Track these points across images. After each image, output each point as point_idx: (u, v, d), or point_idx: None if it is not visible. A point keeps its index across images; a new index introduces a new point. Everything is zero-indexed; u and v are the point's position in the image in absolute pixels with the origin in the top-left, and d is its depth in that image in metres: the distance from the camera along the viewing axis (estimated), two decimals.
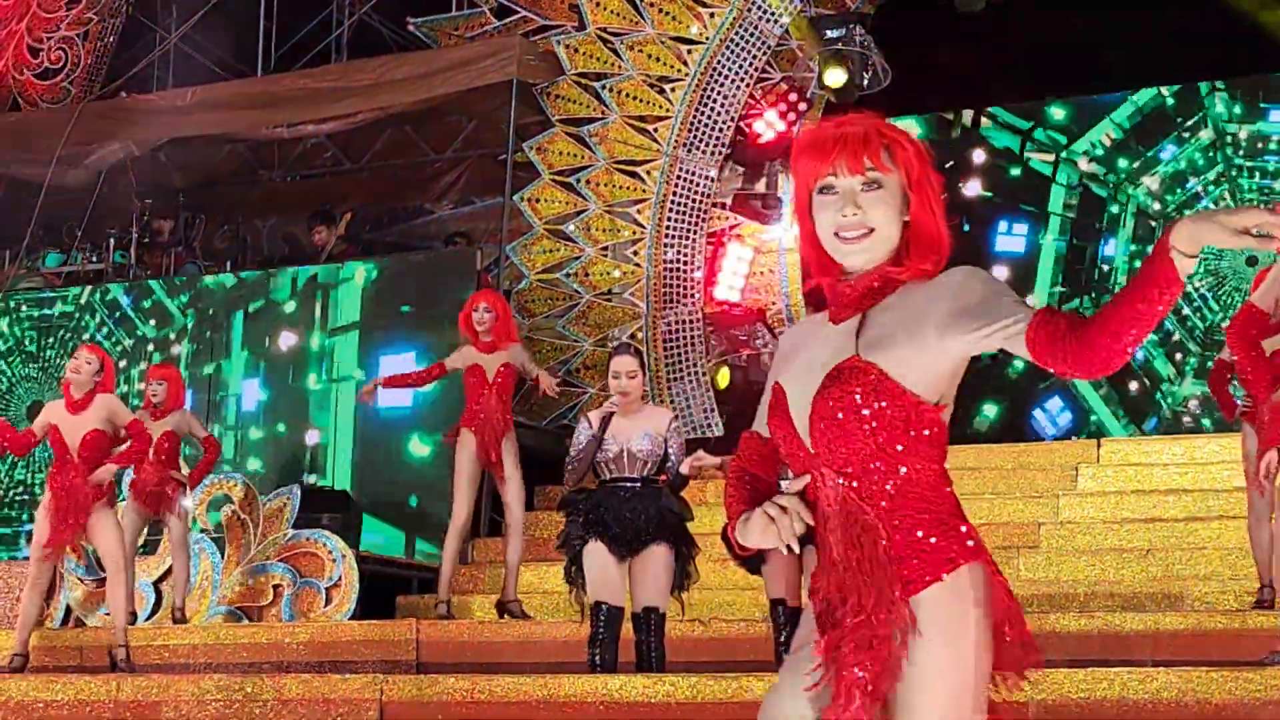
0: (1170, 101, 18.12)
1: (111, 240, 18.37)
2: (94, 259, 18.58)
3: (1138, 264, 17.89)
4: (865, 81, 16.22)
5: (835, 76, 16.10)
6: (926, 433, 3.77)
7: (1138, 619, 10.55)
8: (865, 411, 3.75)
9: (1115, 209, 18.32)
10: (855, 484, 3.79)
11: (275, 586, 13.46)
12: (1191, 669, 8.46)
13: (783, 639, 9.32)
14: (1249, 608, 10.59)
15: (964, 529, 3.79)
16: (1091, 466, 14.21)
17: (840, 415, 3.77)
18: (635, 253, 16.42)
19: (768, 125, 16.54)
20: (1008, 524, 13.26)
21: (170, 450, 12.99)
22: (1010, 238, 18.58)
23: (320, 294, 16.22)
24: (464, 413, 12.45)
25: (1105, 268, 18.33)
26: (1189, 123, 17.97)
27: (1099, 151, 18.36)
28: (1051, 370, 3.65)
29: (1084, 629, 10.51)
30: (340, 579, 13.25)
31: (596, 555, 9.60)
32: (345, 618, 12.99)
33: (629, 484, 9.73)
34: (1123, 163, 18.31)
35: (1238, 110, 17.83)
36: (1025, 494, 13.83)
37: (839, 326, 3.89)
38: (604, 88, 16.54)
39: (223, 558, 13.62)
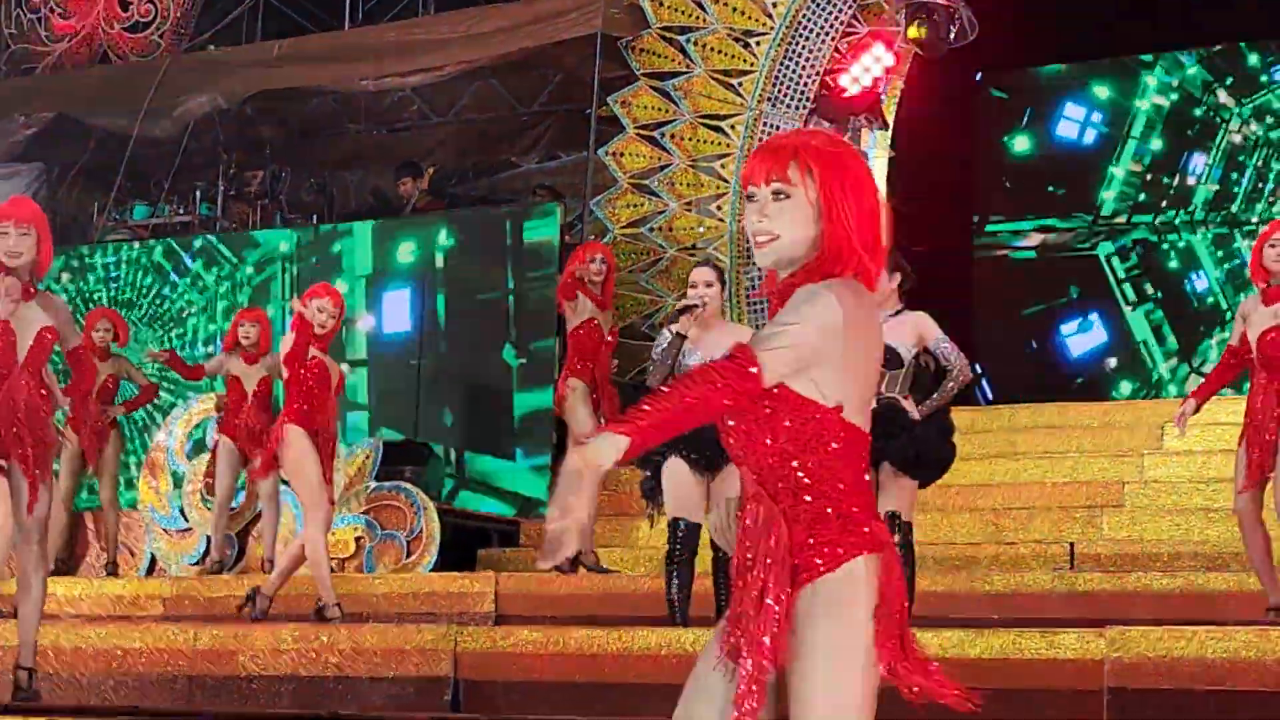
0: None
1: (198, 193, 18.45)
2: (181, 211, 18.68)
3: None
4: (952, 35, 16.07)
5: (920, 30, 15.93)
6: (828, 434, 3.92)
7: (1222, 579, 10.48)
8: (763, 416, 3.95)
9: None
10: (761, 479, 3.97)
11: (357, 539, 13.50)
12: (1272, 628, 8.38)
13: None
14: None
15: (865, 523, 3.94)
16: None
17: (745, 418, 3.98)
18: (719, 208, 16.36)
19: (853, 80, 16.44)
20: (1092, 483, 13.16)
21: (265, 394, 13.08)
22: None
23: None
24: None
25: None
26: None
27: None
28: None
29: (1167, 588, 10.45)
30: (421, 531, 13.29)
31: (677, 471, 9.56)
32: (426, 570, 13.03)
33: None
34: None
35: None
36: (1110, 452, 13.70)
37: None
38: (689, 41, 16.46)
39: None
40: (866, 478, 3.99)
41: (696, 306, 9.43)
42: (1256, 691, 8.06)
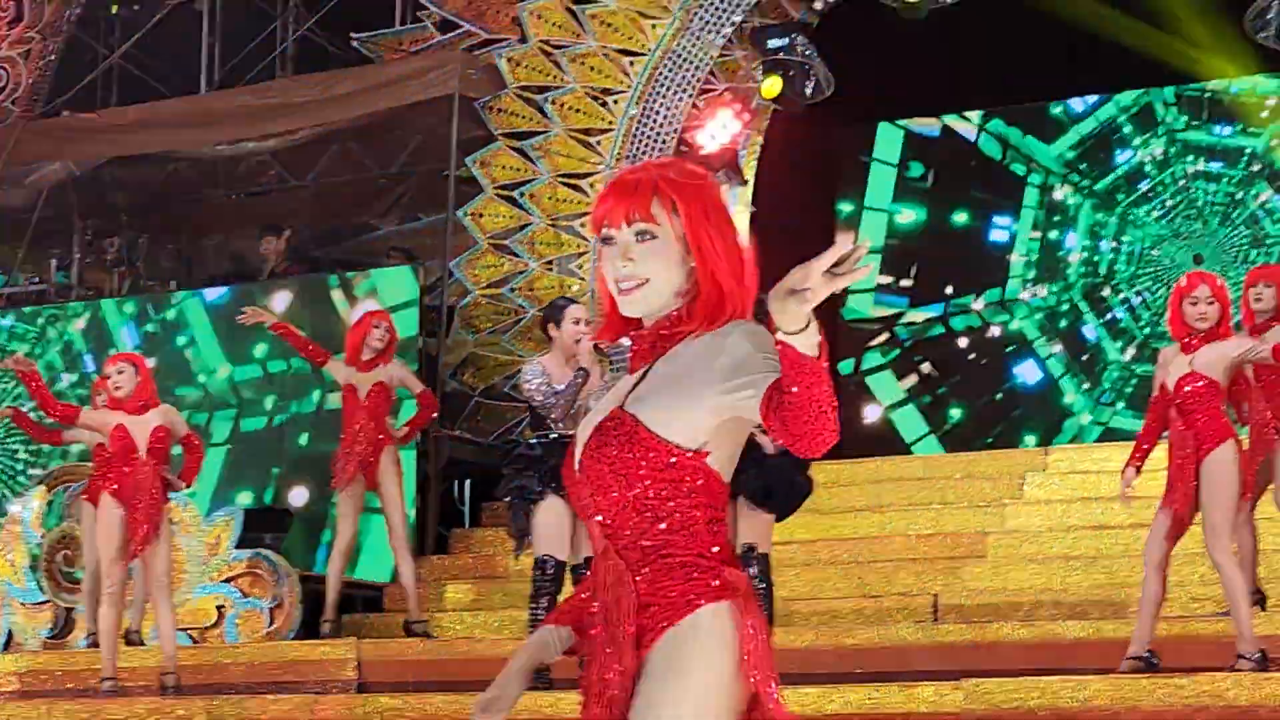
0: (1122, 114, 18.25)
1: (54, 261, 18.25)
2: (35, 280, 18.47)
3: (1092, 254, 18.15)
4: (809, 91, 16.16)
5: (775, 87, 16.02)
6: (687, 481, 3.73)
7: (1080, 627, 10.55)
8: (620, 464, 3.73)
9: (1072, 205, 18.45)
10: (612, 534, 3.77)
11: (219, 607, 13.35)
12: (1123, 676, 8.43)
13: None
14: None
15: (715, 574, 3.73)
16: (1039, 474, 14.17)
17: (600, 467, 3.76)
18: (580, 267, 16.34)
19: (711, 137, 16.49)
20: (955, 533, 13.24)
21: (163, 450, 12.87)
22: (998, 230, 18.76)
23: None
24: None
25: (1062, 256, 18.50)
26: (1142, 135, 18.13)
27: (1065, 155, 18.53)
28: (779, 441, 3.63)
29: (1027, 638, 10.50)
30: (283, 599, 13.16)
31: (552, 510, 9.67)
32: (289, 638, 12.90)
33: None
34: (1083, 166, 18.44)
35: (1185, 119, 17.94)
36: (972, 503, 13.79)
37: (631, 377, 3.86)
38: (546, 100, 16.46)
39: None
40: (724, 524, 3.80)
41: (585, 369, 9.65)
42: None
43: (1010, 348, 18.42)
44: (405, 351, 14.85)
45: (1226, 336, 9.39)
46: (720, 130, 16.48)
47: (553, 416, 9.88)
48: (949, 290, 18.72)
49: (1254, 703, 8.03)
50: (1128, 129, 18.29)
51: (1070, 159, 18.49)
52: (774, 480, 9.28)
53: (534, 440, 10.07)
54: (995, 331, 18.52)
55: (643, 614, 3.70)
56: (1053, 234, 18.52)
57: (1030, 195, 18.58)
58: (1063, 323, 18.27)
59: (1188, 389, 9.37)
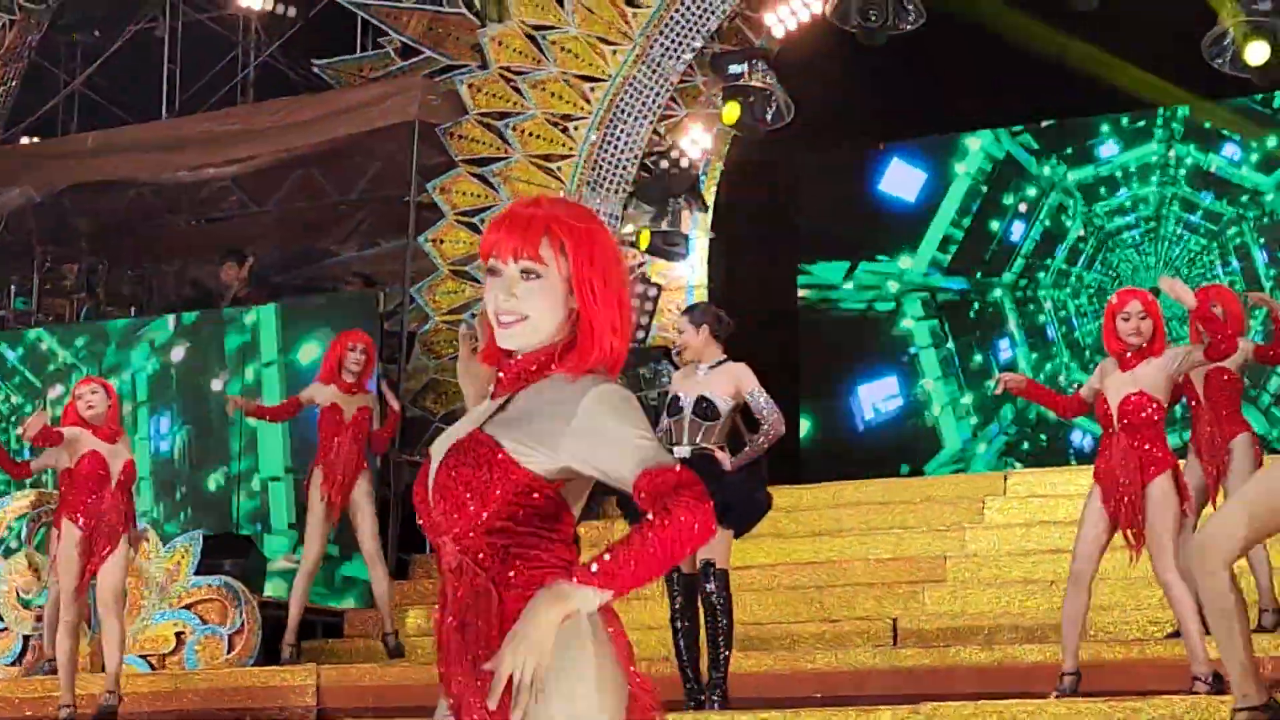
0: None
1: (13, 287, 18.20)
2: None
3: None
4: (768, 117, 16.23)
5: (734, 112, 16.08)
6: (538, 506, 3.77)
7: (1039, 650, 10.55)
8: (475, 483, 3.75)
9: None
10: (468, 551, 3.78)
11: (178, 633, 13.31)
12: (1080, 700, 8.46)
13: (677, 604, 9.71)
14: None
15: (572, 575, 3.67)
16: (998, 499, 14.20)
17: (454, 485, 3.77)
18: None
19: (672, 162, 16.53)
20: (914, 558, 13.25)
21: (129, 479, 12.81)
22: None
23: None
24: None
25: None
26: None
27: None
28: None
29: (985, 662, 10.51)
30: (243, 625, 13.13)
31: None
32: (249, 664, 12.87)
33: None
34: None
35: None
36: (932, 527, 13.80)
37: (491, 403, 3.89)
38: (507, 126, 16.48)
39: (125, 605, 13.44)
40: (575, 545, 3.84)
41: None
42: None
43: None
44: None
45: (1161, 353, 9.41)
46: (681, 156, 16.53)
47: None
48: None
49: None
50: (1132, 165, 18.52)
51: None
52: (732, 497, 9.35)
53: None
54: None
55: (511, 623, 3.62)
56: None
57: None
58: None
59: (1132, 409, 9.37)
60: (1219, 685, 8.97)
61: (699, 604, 9.57)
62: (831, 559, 13.56)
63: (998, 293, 18.77)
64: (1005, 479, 14.83)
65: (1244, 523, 6.71)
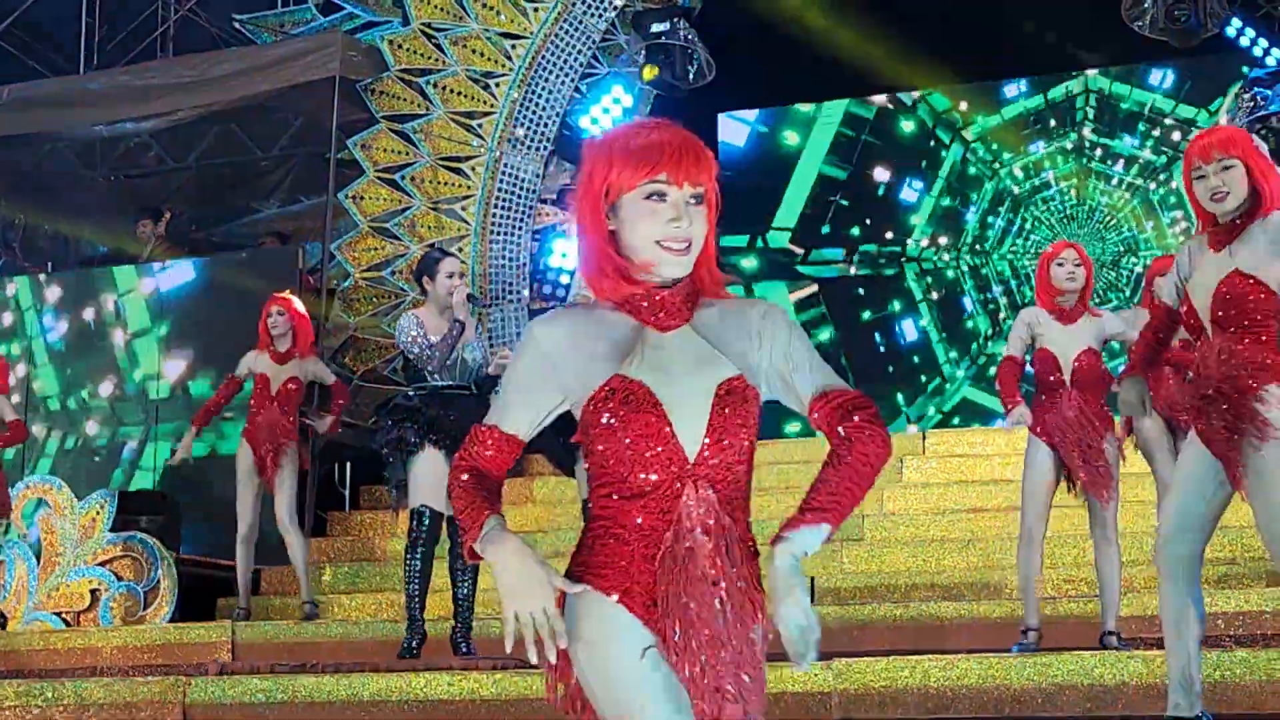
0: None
1: None
2: None
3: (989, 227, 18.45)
4: (690, 76, 16.19)
5: (653, 70, 16.04)
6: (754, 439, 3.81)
7: (954, 608, 10.58)
8: (749, 426, 3.75)
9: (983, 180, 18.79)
10: (719, 493, 3.73)
11: (93, 591, 13.22)
12: (993, 655, 8.48)
13: None
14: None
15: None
16: (916, 458, 14.24)
17: (742, 431, 3.74)
18: (461, 249, 16.29)
19: (593, 120, 16.49)
20: None
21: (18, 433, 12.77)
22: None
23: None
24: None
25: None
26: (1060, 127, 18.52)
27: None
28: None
29: (901, 619, 10.54)
30: (158, 582, 13.04)
31: (431, 462, 9.79)
32: (165, 621, 12.79)
33: (466, 392, 10.00)
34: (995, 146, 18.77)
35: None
36: None
37: (669, 334, 3.83)
38: (428, 83, 16.41)
39: (39, 562, 13.35)
40: None
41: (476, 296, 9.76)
42: (975, 718, 8.15)
43: (898, 302, 18.74)
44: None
45: (1087, 307, 9.41)
46: (603, 114, 16.50)
47: (429, 368, 9.94)
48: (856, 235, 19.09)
49: (1120, 681, 8.09)
50: (1051, 121, 18.63)
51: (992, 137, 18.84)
52: None
53: (411, 392, 10.09)
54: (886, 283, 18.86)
55: (740, 545, 3.73)
56: (957, 202, 18.82)
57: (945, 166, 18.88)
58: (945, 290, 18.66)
59: (1087, 369, 9.35)
60: (1127, 644, 9.05)
61: None
62: (751, 518, 13.53)
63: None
64: (924, 439, 14.88)
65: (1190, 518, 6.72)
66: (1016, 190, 18.56)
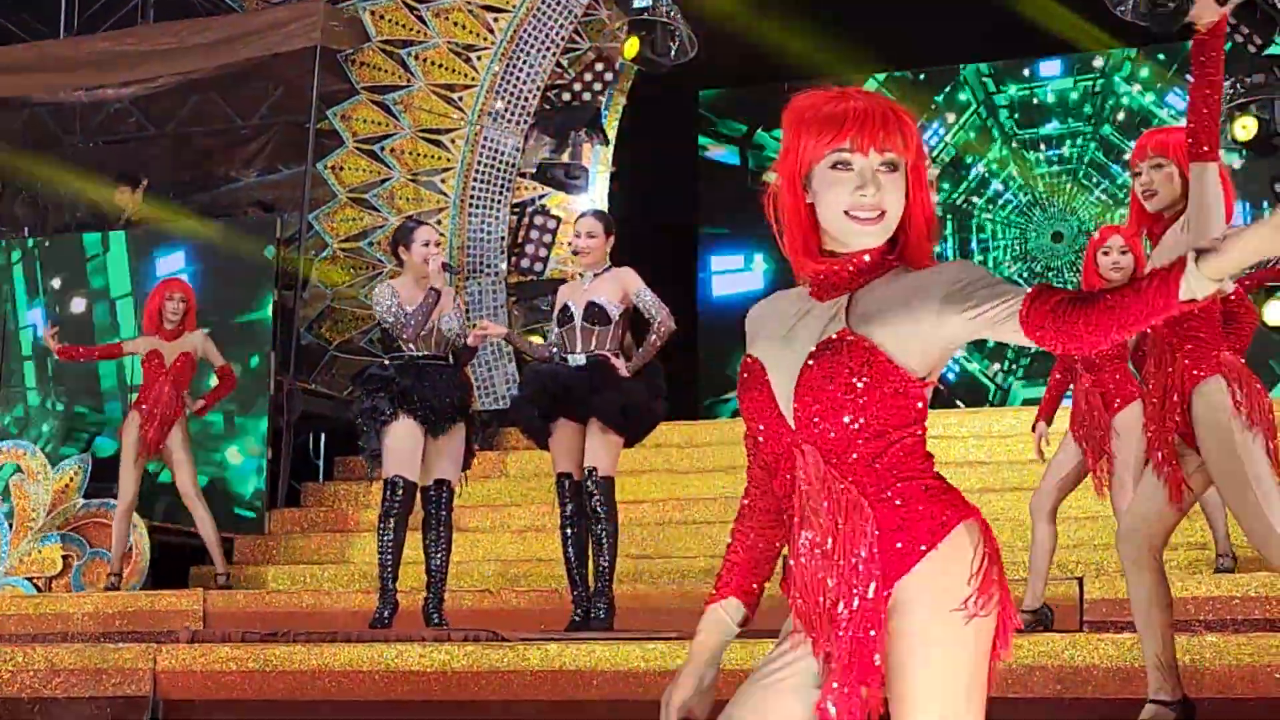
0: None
1: None
2: None
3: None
4: (672, 53, 16.17)
5: (635, 46, 16.02)
6: (910, 408, 3.56)
7: None
8: (857, 383, 3.52)
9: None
10: (837, 459, 3.53)
11: (65, 557, 13.21)
12: None
13: (568, 510, 9.78)
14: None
15: (952, 492, 3.57)
16: None
17: (830, 387, 3.54)
18: (439, 222, 16.28)
19: (574, 95, 16.47)
20: None
21: None
22: None
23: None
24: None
25: None
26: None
27: None
28: (1040, 345, 3.45)
29: None
30: (131, 549, 13.03)
31: (404, 431, 9.86)
32: (136, 588, 12.79)
33: (440, 362, 10.05)
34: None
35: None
36: None
37: (824, 304, 3.67)
38: (409, 55, 16.39)
39: (10, 528, 13.34)
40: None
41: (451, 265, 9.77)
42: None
43: None
44: (261, 304, 14.83)
45: None
46: (584, 89, 16.47)
47: (404, 337, 9.96)
48: None
49: (1090, 663, 8.11)
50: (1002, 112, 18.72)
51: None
52: (629, 404, 9.48)
53: (387, 362, 10.12)
54: None
55: (887, 537, 3.50)
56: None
57: None
58: None
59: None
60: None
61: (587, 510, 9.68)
62: (725, 494, 13.57)
63: None
64: None
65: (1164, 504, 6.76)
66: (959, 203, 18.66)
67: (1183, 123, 6.45)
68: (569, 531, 9.79)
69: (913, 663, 3.44)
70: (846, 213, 3.59)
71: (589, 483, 9.56)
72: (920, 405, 3.58)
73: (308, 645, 9.37)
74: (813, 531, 3.51)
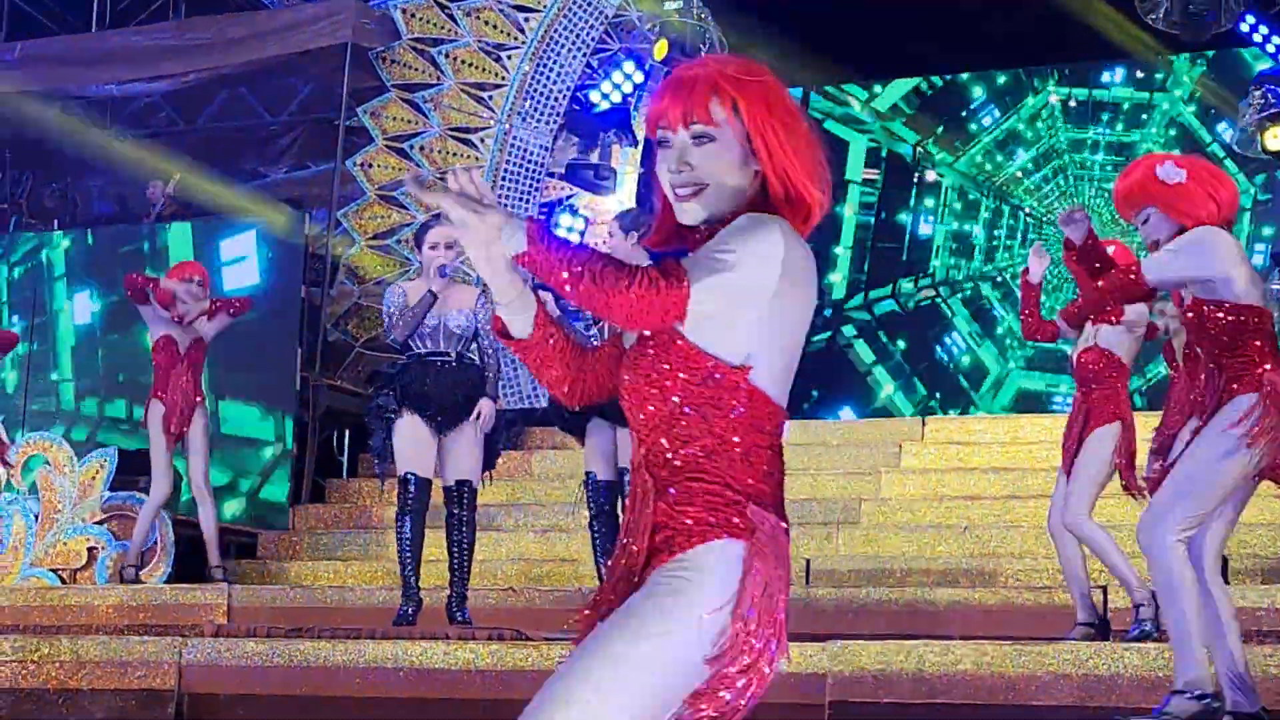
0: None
1: None
2: None
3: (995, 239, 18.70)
4: (702, 53, 16.18)
5: (666, 48, 16.06)
6: (727, 401, 3.42)
7: (949, 594, 10.61)
8: (655, 375, 3.44)
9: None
10: (645, 450, 3.48)
11: (90, 549, 13.25)
12: (988, 642, 8.51)
13: (592, 510, 9.84)
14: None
15: (739, 509, 3.39)
16: (915, 444, 14.26)
17: (637, 379, 3.49)
18: None
19: (604, 96, 16.50)
20: (829, 499, 13.26)
21: None
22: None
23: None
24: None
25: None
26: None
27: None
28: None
29: (896, 604, 10.57)
30: (156, 543, 13.07)
31: (410, 428, 9.88)
32: (161, 581, 12.82)
33: (445, 359, 9.97)
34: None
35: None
36: (848, 470, 13.82)
37: None
38: (440, 53, 16.41)
39: (38, 519, 13.37)
40: (770, 454, 3.46)
41: (433, 290, 9.72)
42: (969, 704, 8.19)
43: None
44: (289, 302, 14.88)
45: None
46: (614, 90, 16.49)
47: (392, 336, 9.98)
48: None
49: (1115, 672, 8.13)
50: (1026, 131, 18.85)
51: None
52: None
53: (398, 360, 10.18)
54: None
55: (655, 536, 3.43)
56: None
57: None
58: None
59: (1086, 363, 9.41)
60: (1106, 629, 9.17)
61: (618, 510, 9.68)
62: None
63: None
64: (924, 424, 14.89)
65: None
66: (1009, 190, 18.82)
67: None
68: (596, 528, 9.82)
69: (589, 640, 3.39)
70: (672, 189, 3.54)
71: (626, 481, 9.55)
72: (735, 400, 3.45)
73: (332, 641, 9.41)
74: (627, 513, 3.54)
